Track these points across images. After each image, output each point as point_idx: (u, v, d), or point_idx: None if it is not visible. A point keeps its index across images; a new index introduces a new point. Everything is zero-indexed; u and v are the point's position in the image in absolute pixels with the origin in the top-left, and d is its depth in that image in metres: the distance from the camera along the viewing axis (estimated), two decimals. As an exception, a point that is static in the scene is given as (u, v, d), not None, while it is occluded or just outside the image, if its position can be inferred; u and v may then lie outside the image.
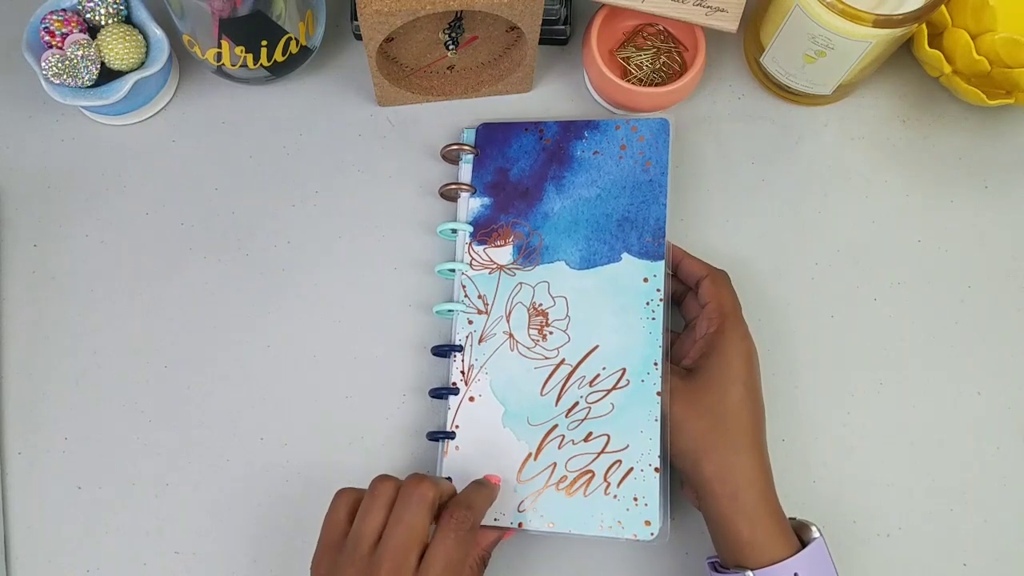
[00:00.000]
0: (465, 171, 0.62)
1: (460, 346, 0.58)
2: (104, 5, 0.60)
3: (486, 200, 0.61)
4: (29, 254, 0.62)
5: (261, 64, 0.61)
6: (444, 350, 0.58)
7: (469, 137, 0.63)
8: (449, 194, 0.62)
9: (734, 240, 0.63)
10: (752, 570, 0.50)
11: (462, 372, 0.57)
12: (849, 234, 0.64)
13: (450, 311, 0.59)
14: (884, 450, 0.60)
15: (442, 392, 0.57)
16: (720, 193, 0.64)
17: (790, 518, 0.52)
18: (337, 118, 0.65)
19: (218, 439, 0.59)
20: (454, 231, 0.60)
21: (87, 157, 0.64)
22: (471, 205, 0.61)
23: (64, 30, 0.59)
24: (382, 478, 0.50)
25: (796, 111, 0.66)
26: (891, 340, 0.62)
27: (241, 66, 0.61)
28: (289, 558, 0.57)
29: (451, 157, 0.62)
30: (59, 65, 0.59)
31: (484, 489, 0.52)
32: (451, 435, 0.56)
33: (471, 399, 0.56)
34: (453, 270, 0.60)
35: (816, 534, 0.51)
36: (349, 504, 0.50)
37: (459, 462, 0.56)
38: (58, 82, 0.59)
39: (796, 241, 0.63)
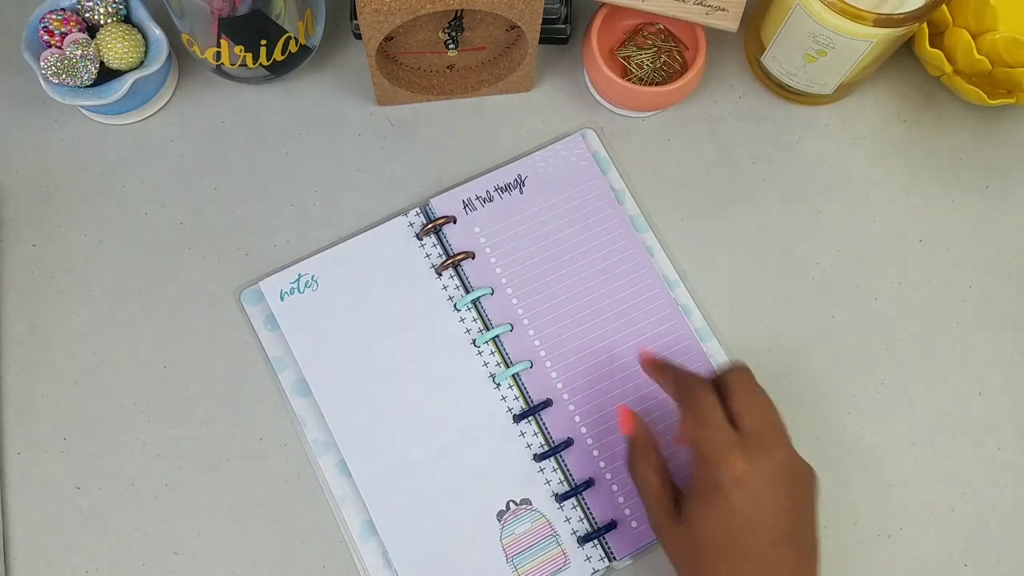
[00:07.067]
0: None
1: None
2: (103, 4, 0.60)
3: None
4: (28, 254, 0.62)
5: (260, 63, 0.61)
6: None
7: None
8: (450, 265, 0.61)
9: (735, 240, 0.63)
10: None
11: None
12: (850, 234, 0.64)
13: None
14: (885, 450, 0.60)
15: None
16: (720, 193, 0.64)
17: None
18: (337, 118, 0.65)
19: (218, 439, 0.59)
20: (475, 300, 0.60)
21: (86, 156, 0.64)
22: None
23: (63, 29, 0.59)
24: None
25: (797, 110, 0.66)
26: (892, 340, 0.62)
27: (240, 65, 0.60)
28: (289, 558, 0.57)
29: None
30: (58, 64, 0.59)
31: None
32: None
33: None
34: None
35: None
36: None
37: None
38: (57, 81, 0.59)
39: (797, 241, 0.63)
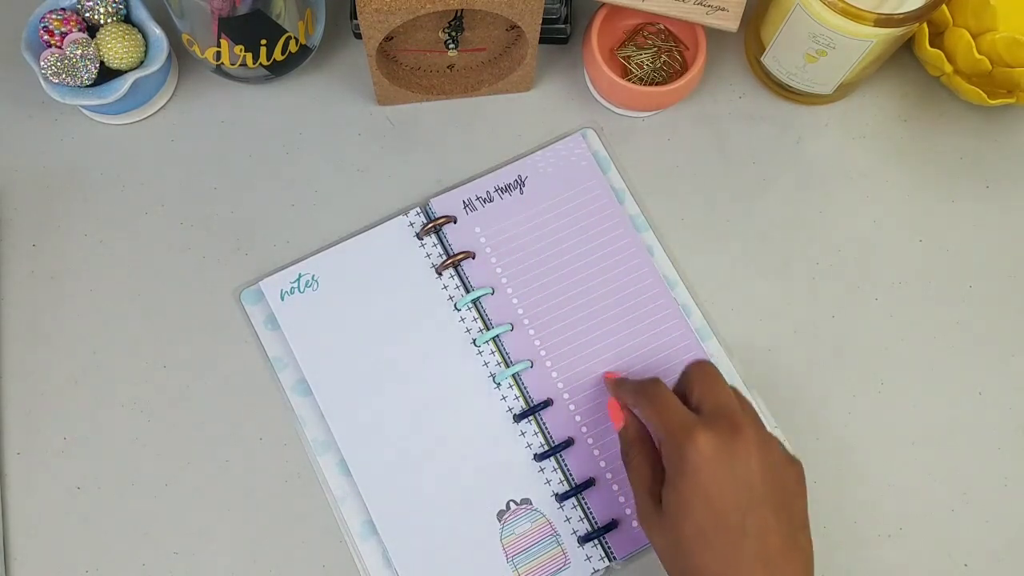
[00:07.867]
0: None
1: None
2: (103, 4, 0.60)
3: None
4: (28, 254, 0.62)
5: (260, 63, 0.61)
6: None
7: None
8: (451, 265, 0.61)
9: (735, 240, 0.63)
10: None
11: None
12: (850, 234, 0.64)
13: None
14: (885, 450, 0.60)
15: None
16: (721, 193, 0.64)
17: None
18: (337, 117, 0.65)
19: (218, 439, 0.59)
20: (475, 299, 0.60)
21: (86, 156, 0.64)
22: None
23: (63, 29, 0.59)
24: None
25: (797, 110, 0.66)
26: (892, 340, 0.62)
27: (240, 65, 0.60)
28: (289, 558, 0.57)
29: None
30: (58, 64, 0.59)
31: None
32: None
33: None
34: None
35: None
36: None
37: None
38: (57, 81, 0.59)
39: (797, 241, 0.63)
